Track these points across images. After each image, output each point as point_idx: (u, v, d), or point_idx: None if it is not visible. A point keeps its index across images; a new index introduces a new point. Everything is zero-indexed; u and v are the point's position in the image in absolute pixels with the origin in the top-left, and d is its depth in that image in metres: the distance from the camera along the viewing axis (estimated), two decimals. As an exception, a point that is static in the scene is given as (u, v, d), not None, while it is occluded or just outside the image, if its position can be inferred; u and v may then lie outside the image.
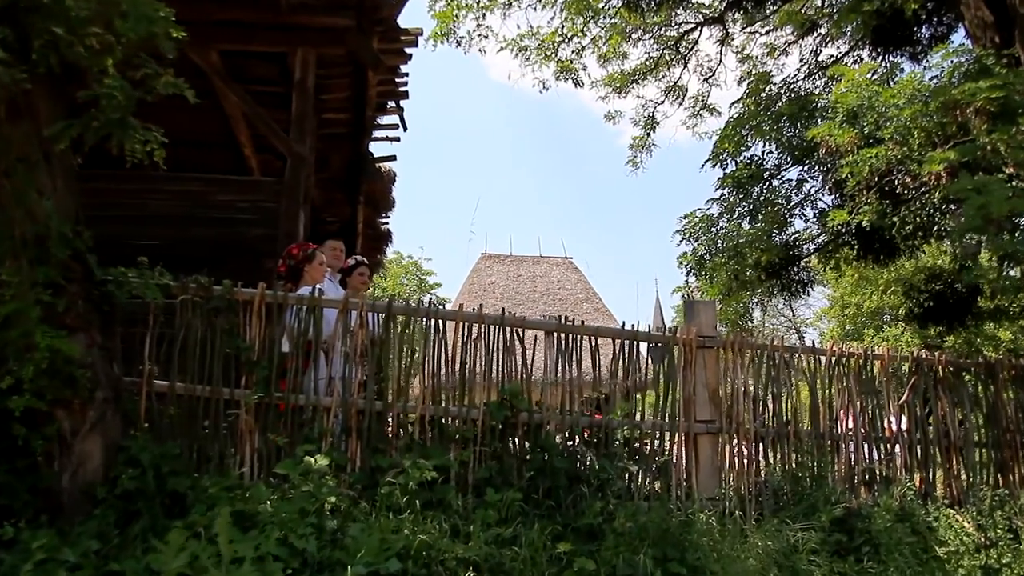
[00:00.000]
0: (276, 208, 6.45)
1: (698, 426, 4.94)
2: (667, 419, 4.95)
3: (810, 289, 10.22)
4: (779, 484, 4.98)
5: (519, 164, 76.74)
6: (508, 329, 4.74)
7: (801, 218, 9.81)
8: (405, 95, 8.16)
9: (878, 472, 5.28)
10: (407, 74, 7.83)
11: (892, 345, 19.75)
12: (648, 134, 15.29)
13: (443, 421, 4.51)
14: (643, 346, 5.12)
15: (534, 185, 76.09)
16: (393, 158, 9.94)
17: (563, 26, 13.07)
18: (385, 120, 8.91)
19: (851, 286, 21.16)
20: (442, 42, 12.43)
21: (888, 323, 22.11)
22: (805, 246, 9.93)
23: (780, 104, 10.52)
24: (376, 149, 9.38)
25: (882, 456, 5.38)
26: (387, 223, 11.79)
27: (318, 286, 4.79)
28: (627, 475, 4.64)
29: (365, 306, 4.51)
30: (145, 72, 3.01)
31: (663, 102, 15.31)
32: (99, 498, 3.63)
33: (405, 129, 9.02)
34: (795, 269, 9.87)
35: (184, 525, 3.43)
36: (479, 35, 12.71)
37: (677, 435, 4.95)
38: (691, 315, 5.20)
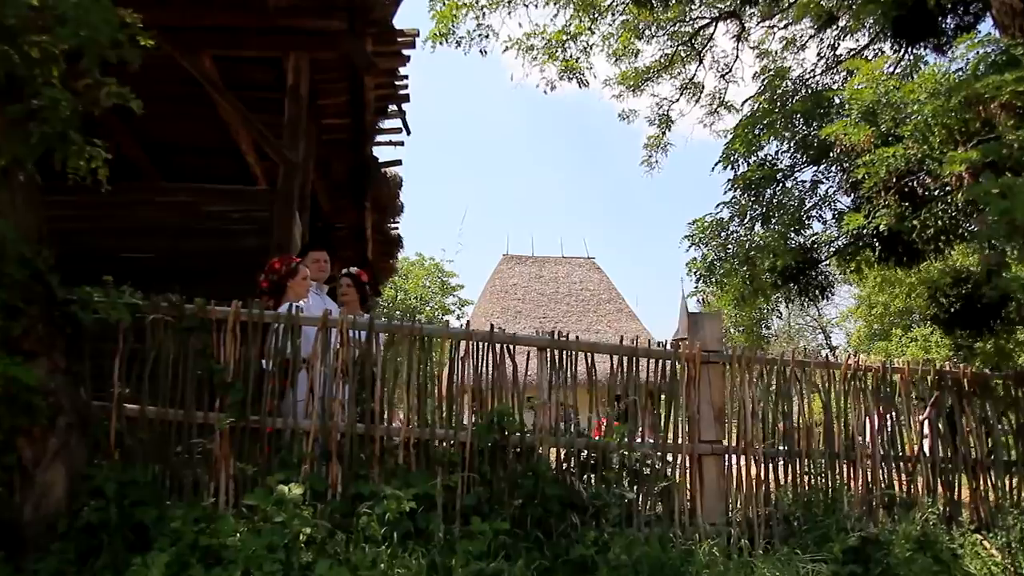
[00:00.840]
0: (270, 217, 6.27)
1: (703, 447, 4.65)
2: (669, 440, 4.67)
3: (830, 293, 9.81)
4: (790, 509, 4.67)
5: (542, 165, 76.53)
6: (498, 346, 4.49)
7: (819, 220, 9.41)
8: (406, 98, 7.95)
9: (898, 494, 4.94)
10: (406, 76, 7.62)
11: (921, 346, 19.20)
12: (663, 133, 14.96)
13: (429, 444, 4.27)
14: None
15: (557, 185, 75.80)
16: (399, 162, 9.81)
17: (569, 24, 12.75)
18: (388, 124, 8.73)
19: (877, 286, 20.53)
20: (441, 43, 12.10)
21: (917, 323, 21.44)
22: (824, 248, 9.52)
23: (794, 101, 10.11)
24: (382, 154, 9.21)
25: (902, 477, 5.04)
26: (397, 228, 11.65)
27: (301, 302, 4.58)
28: (625, 500, 4.35)
29: (345, 323, 4.29)
30: (86, 83, 2.81)
31: (678, 99, 14.98)
32: (61, 531, 3.46)
33: (408, 133, 8.81)
34: (814, 273, 9.46)
35: (144, 562, 3.25)
36: (479, 35, 12.40)
37: (680, 456, 4.67)
38: (695, 328, 4.91)
